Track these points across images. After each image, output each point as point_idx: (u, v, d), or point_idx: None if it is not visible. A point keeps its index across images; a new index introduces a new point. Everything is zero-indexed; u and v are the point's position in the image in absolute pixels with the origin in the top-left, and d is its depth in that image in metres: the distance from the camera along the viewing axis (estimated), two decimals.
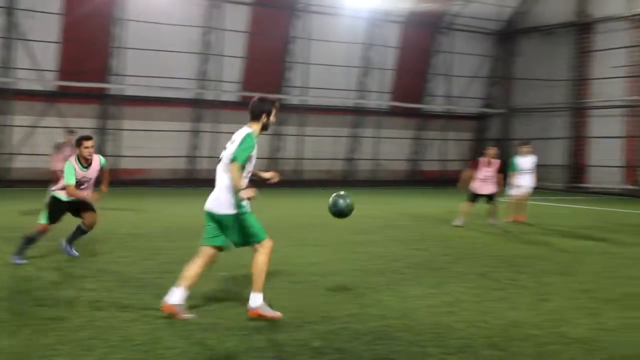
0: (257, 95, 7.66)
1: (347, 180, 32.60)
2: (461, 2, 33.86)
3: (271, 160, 30.35)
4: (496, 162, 16.47)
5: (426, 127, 35.73)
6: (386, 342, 6.53)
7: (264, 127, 7.32)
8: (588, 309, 7.97)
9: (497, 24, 36.10)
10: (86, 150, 9.96)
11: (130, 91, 28.50)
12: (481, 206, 16.45)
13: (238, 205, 7.08)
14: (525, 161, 17.93)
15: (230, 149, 7.15)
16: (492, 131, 37.50)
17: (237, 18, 29.81)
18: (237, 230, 7.18)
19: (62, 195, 10.09)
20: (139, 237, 12.86)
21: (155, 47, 27.81)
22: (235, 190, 7.00)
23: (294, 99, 31.64)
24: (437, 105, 35.72)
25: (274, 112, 7.35)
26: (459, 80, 35.76)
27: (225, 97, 30.25)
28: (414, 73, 34.56)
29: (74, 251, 10.46)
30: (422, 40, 34.62)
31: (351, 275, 9.77)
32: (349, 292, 8.66)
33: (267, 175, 7.65)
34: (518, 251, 12.58)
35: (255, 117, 7.29)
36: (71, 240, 10.46)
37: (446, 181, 34.80)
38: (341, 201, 8.21)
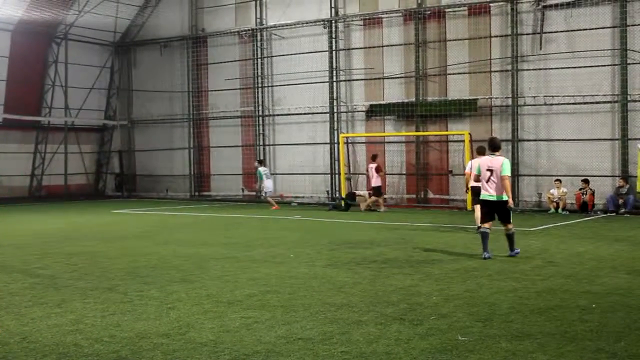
0: None
1: None
2: (75, 12, 33.09)
3: None
4: None
5: (47, 141, 34.36)
6: None
7: None
8: (212, 312, 8.22)
9: (114, 36, 35.96)
10: None
11: None
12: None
13: None
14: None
15: None
16: (115, 143, 37.24)
17: None
18: None
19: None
20: None
21: None
22: None
23: None
24: (56, 118, 34.54)
25: None
26: (78, 92, 34.97)
27: None
28: (28, 84, 33.07)
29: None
30: (35, 50, 33.31)
31: None
32: None
33: None
34: (143, 262, 12.57)
35: None
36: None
37: (71, 195, 33.91)
38: None
